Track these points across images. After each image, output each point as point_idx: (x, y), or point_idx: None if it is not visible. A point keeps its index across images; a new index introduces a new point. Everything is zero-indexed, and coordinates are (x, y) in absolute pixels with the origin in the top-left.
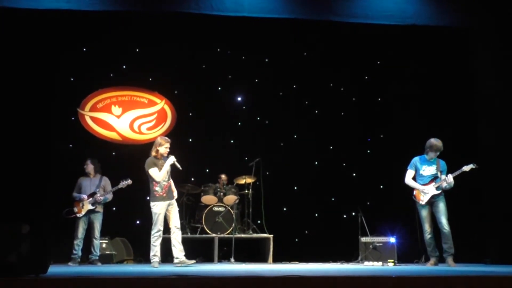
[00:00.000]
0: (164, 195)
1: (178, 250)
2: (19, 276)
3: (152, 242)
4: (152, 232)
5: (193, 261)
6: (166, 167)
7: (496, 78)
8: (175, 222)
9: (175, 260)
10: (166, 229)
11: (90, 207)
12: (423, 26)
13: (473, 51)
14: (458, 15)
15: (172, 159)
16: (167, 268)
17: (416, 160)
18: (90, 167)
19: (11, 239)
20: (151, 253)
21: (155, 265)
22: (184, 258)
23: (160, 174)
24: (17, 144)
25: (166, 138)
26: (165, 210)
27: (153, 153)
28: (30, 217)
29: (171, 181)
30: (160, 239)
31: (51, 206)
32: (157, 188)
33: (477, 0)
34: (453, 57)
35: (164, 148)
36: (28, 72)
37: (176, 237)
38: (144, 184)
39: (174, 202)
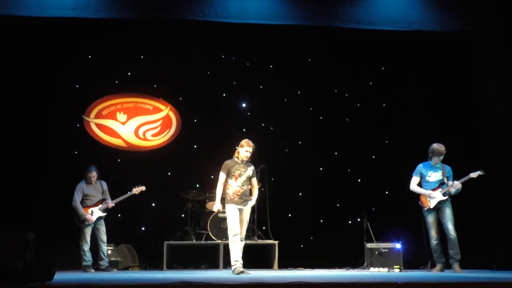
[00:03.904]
0: (235, 199)
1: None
2: (24, 283)
3: (231, 248)
4: (230, 237)
5: (249, 271)
6: (243, 178)
7: (500, 83)
8: (241, 231)
9: (232, 269)
10: (168, 234)
11: (101, 214)
12: (427, 31)
13: (477, 56)
14: (462, 20)
15: (250, 170)
16: (172, 275)
17: (420, 166)
18: (94, 175)
19: (17, 246)
20: (232, 259)
21: (238, 271)
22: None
23: (220, 182)
24: (22, 151)
25: (250, 141)
26: (237, 215)
27: (235, 154)
28: (36, 223)
29: (254, 188)
30: (239, 243)
31: (56, 213)
32: (228, 191)
33: (481, 6)
34: (457, 62)
35: (244, 151)
36: (34, 79)
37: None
38: (148, 190)
39: (246, 209)
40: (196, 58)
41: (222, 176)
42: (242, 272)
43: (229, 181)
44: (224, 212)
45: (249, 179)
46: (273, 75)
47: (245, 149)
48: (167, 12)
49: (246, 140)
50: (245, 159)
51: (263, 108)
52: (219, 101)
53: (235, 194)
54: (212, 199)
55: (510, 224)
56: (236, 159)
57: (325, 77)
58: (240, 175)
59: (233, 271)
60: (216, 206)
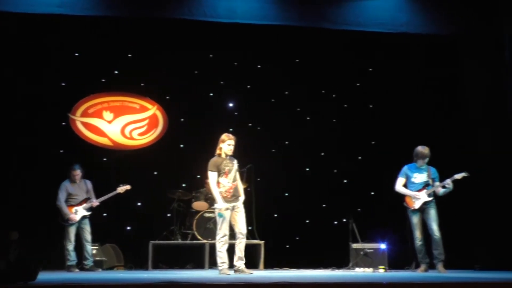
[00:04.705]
0: (228, 197)
1: (237, 258)
2: (7, 283)
3: (217, 249)
4: (217, 238)
5: (251, 271)
6: (233, 173)
7: (485, 87)
8: (240, 227)
9: (234, 268)
10: (152, 233)
11: (86, 213)
12: (414, 34)
13: (463, 59)
14: (449, 23)
15: (236, 164)
16: (158, 275)
17: (406, 168)
18: (78, 173)
19: (0, 246)
20: (218, 261)
21: (224, 273)
22: (243, 267)
23: (213, 181)
24: (6, 149)
25: (230, 134)
26: (229, 214)
27: (217, 151)
28: (19, 223)
29: (238, 182)
30: (227, 245)
31: (40, 212)
32: (220, 190)
33: (468, 10)
34: (444, 64)
35: (227, 146)
36: (19, 76)
37: (239, 244)
38: (134, 189)
39: (240, 205)
40: (184, 58)
41: (214, 174)
42: (229, 274)
43: (219, 179)
44: (211, 212)
45: (236, 173)
46: (260, 75)
47: (227, 143)
48: (155, 11)
49: (226, 134)
50: (229, 153)
51: (250, 108)
52: (206, 100)
53: (227, 191)
54: (198, 198)
55: (494, 225)
56: (219, 156)
57: (313, 77)
58: (230, 171)
59: (219, 273)
60: (220, 204)
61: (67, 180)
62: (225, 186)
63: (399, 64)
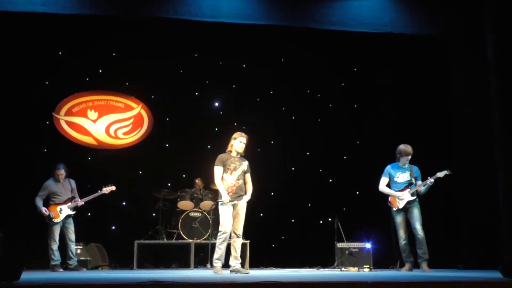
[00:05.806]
0: (230, 194)
1: (232, 258)
2: None
3: (217, 244)
4: (218, 234)
5: (248, 270)
6: (238, 171)
7: (470, 87)
8: (236, 227)
9: (230, 268)
10: (137, 232)
11: (70, 212)
12: (399, 34)
13: (448, 60)
14: (433, 24)
15: (245, 165)
16: (143, 275)
17: (389, 167)
18: (62, 172)
19: None
20: (214, 256)
21: (217, 271)
22: (238, 267)
23: (218, 176)
24: None
25: (241, 132)
26: (231, 211)
27: (228, 148)
28: (3, 223)
29: (248, 184)
30: (226, 242)
31: (24, 212)
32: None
33: (451, 10)
34: (428, 64)
35: (238, 143)
36: (2, 74)
37: (234, 243)
38: (119, 189)
39: (242, 204)
40: (169, 57)
41: (219, 169)
42: (220, 274)
43: (224, 175)
44: (196, 211)
45: (244, 174)
46: (246, 74)
47: (239, 140)
48: (140, 9)
49: (239, 132)
50: (240, 151)
51: (236, 108)
52: (191, 99)
53: (229, 188)
54: (184, 198)
55: (476, 225)
56: (229, 152)
57: (298, 77)
58: (235, 169)
59: (214, 270)
60: (225, 197)
61: (51, 178)
62: (227, 183)
63: (383, 64)
